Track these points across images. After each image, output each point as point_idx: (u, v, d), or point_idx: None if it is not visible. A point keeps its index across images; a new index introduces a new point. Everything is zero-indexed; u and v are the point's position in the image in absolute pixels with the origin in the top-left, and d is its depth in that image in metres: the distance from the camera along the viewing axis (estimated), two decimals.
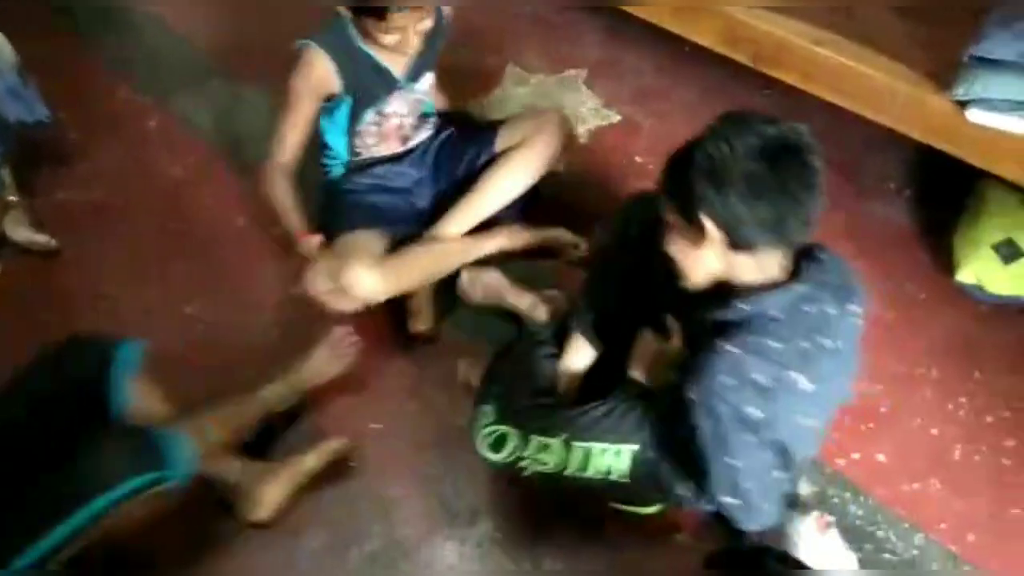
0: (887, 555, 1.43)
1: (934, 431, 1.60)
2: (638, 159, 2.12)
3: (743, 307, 1.11)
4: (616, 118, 2.23)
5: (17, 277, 1.87)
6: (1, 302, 1.81)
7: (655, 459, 1.32)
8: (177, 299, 1.83)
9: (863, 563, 1.40)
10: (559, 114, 1.83)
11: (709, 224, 1.08)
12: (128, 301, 1.83)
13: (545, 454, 1.34)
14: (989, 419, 1.61)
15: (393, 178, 1.82)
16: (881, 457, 1.56)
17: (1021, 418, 1.60)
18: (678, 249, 1.17)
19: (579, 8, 2.52)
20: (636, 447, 1.32)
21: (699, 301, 1.18)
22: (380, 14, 1.49)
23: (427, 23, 1.55)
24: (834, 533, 1.33)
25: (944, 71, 1.58)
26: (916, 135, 1.66)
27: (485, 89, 2.33)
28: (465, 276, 1.78)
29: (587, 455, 1.33)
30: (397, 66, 1.67)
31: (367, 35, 1.59)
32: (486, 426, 1.38)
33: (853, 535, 1.44)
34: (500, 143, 1.80)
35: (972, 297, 1.77)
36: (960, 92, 1.54)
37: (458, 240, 1.75)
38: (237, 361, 1.69)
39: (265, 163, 1.71)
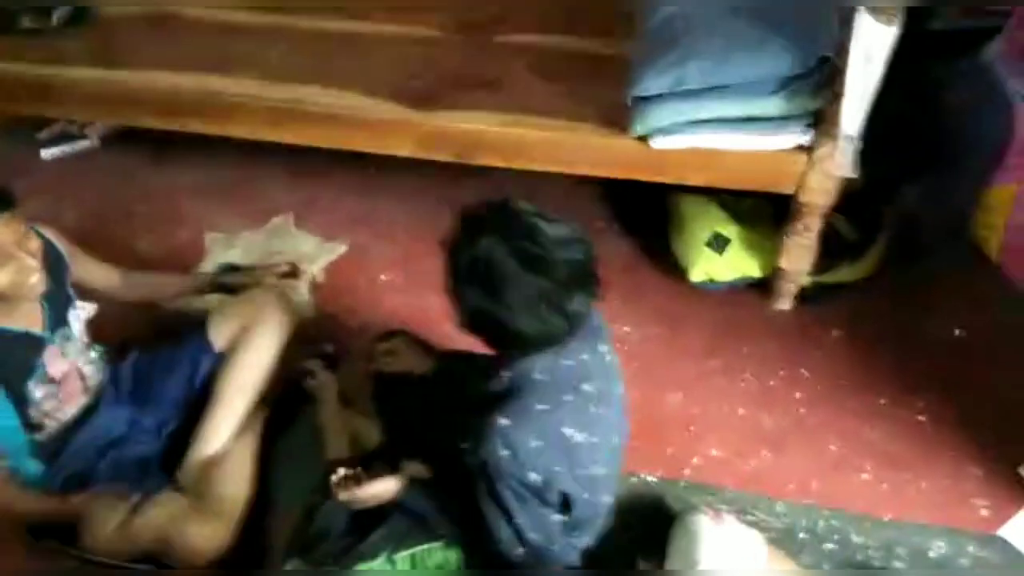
0: (767, 533, 1.53)
1: (741, 411, 1.78)
2: (383, 277, 2.11)
3: (507, 374, 1.18)
4: (342, 248, 2.20)
5: None
6: None
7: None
8: None
9: None
10: (271, 291, 1.67)
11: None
12: None
13: None
14: (772, 383, 1.83)
15: (108, 430, 1.54)
16: (715, 452, 1.69)
17: (793, 372, 1.85)
18: None
19: (251, 161, 2.47)
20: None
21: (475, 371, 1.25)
22: None
23: (33, 243, 1.34)
24: (730, 519, 1.39)
25: (616, 115, 1.81)
26: (616, 175, 1.87)
27: (193, 264, 2.16)
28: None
29: (414, 561, 1.31)
30: (32, 322, 1.41)
31: None
32: None
33: None
34: (218, 338, 1.61)
35: (709, 290, 2.03)
36: (637, 129, 1.78)
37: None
38: None
39: None
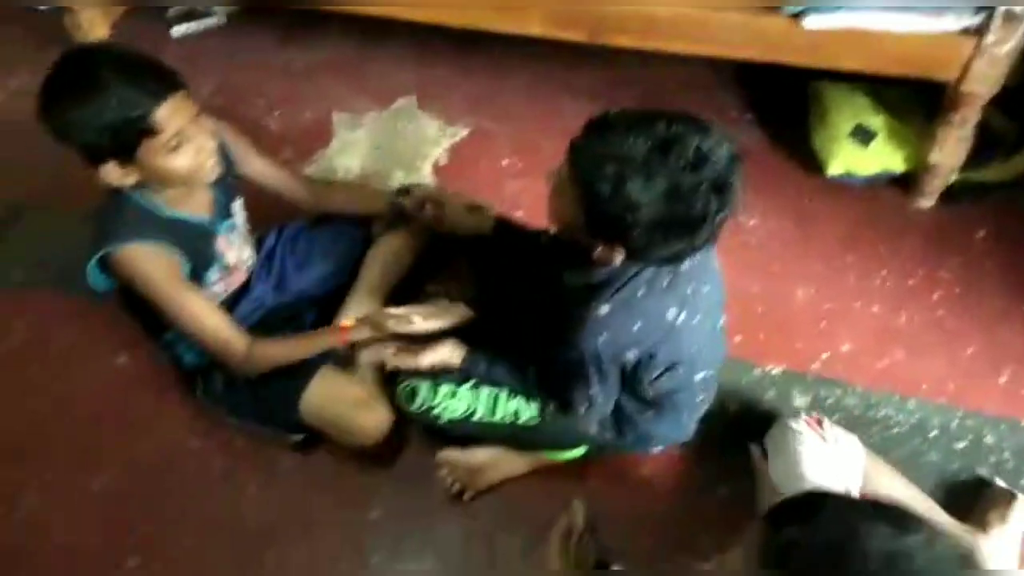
0: (895, 429, 1.53)
1: (875, 308, 1.73)
2: (505, 162, 2.10)
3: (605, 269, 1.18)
4: (465, 131, 2.20)
5: None
6: None
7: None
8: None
9: (877, 444, 1.47)
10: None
11: (620, 249, 1.12)
12: None
13: (454, 400, 1.41)
14: (910, 282, 1.77)
15: (261, 303, 1.62)
16: (845, 348, 1.67)
17: (933, 272, 1.78)
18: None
19: (376, 42, 2.46)
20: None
21: (562, 262, 1.27)
22: (148, 130, 1.22)
23: (208, 125, 1.32)
24: (828, 425, 1.35)
25: None
26: (762, 57, 1.77)
27: (320, 144, 2.21)
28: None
29: (495, 399, 1.40)
30: (204, 210, 1.44)
31: (161, 191, 1.35)
32: (401, 382, 1.44)
33: (858, 423, 1.53)
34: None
35: (846, 184, 1.94)
36: (791, 5, 1.67)
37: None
38: None
39: (232, 358, 1.42)
